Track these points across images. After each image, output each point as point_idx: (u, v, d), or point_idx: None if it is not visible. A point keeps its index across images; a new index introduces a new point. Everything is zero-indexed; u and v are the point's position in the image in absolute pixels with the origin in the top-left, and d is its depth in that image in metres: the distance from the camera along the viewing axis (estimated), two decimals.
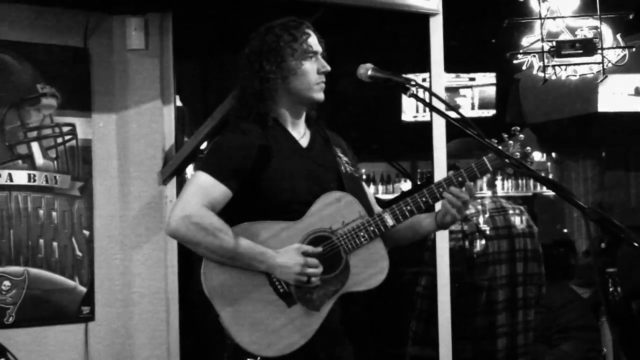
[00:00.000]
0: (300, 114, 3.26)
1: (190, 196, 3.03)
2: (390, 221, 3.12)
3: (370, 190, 3.47)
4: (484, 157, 3.13)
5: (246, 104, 3.20)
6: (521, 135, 3.18)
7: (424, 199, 3.12)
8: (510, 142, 3.17)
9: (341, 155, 3.30)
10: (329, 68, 3.21)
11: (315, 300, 3.04)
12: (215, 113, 4.72)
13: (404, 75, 3.03)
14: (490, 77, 9.76)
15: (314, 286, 3.04)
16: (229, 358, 3.11)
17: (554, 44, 6.57)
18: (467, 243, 4.83)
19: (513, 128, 3.19)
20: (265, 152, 3.11)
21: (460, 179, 3.14)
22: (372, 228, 3.10)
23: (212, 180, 3.04)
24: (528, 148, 3.18)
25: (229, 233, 2.99)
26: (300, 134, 3.26)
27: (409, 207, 3.12)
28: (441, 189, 3.13)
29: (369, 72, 3.09)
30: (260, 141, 3.12)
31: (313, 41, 3.20)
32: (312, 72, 3.18)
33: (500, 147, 3.08)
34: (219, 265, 3.01)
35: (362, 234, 3.09)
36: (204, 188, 3.03)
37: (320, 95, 3.21)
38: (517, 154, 3.15)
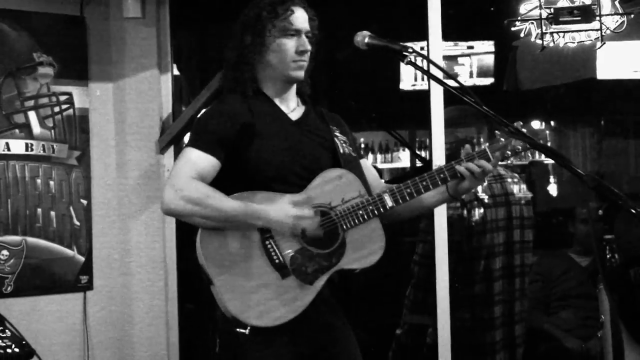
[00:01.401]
0: (286, 89, 3.27)
1: (178, 171, 3.04)
2: (389, 202, 3.13)
3: (372, 169, 3.46)
4: (486, 147, 3.14)
5: (227, 74, 3.25)
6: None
7: (424, 183, 3.14)
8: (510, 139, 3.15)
9: (339, 134, 3.31)
10: (308, 48, 3.20)
11: (309, 274, 3.04)
12: (213, 81, 4.72)
13: (401, 43, 3.02)
14: (489, 45, 9.68)
15: (310, 257, 3.04)
16: (219, 328, 3.12)
17: (552, 11, 6.52)
18: (465, 212, 4.84)
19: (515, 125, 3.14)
20: (249, 120, 3.12)
21: (462, 164, 3.15)
22: (371, 207, 3.11)
23: (198, 152, 3.06)
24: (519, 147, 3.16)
25: (221, 197, 2.99)
26: (290, 108, 3.27)
27: (408, 190, 3.13)
28: (441, 175, 3.15)
29: (366, 40, 3.08)
30: (242, 110, 3.15)
31: (296, 19, 3.19)
32: (290, 49, 3.17)
33: (498, 118, 3.08)
34: (215, 234, 3.01)
35: (360, 212, 3.10)
36: (190, 161, 3.05)
37: (297, 73, 3.21)
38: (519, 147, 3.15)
